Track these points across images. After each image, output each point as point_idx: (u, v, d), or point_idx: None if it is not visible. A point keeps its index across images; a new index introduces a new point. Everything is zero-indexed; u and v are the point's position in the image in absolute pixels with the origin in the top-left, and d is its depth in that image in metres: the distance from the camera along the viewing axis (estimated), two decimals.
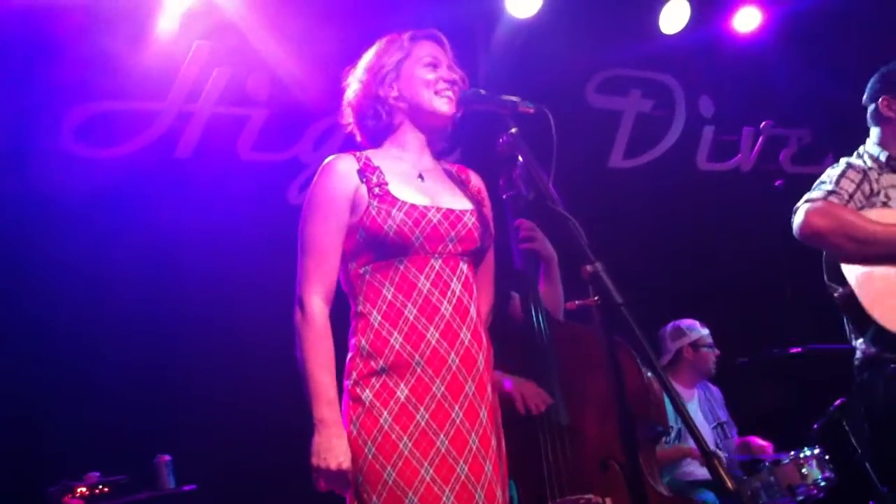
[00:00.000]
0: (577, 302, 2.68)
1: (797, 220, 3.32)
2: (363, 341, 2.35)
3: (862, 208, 3.29)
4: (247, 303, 4.47)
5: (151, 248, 4.54)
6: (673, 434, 4.49)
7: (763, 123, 6.04)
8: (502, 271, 3.36)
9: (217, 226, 4.61)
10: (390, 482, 2.25)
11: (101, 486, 3.94)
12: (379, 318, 2.34)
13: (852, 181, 3.31)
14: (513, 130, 2.57)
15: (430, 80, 2.49)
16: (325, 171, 2.44)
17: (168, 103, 4.68)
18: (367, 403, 2.30)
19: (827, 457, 4.28)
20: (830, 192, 3.29)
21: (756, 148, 6.08)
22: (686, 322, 4.87)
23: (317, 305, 2.35)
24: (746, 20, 5.60)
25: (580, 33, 5.21)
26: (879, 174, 3.36)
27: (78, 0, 4.23)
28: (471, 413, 2.35)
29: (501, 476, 2.43)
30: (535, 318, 3.18)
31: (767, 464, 4.31)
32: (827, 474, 4.24)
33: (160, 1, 4.42)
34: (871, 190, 3.32)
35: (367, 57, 2.57)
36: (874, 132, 3.50)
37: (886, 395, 3.27)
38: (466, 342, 2.38)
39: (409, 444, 2.28)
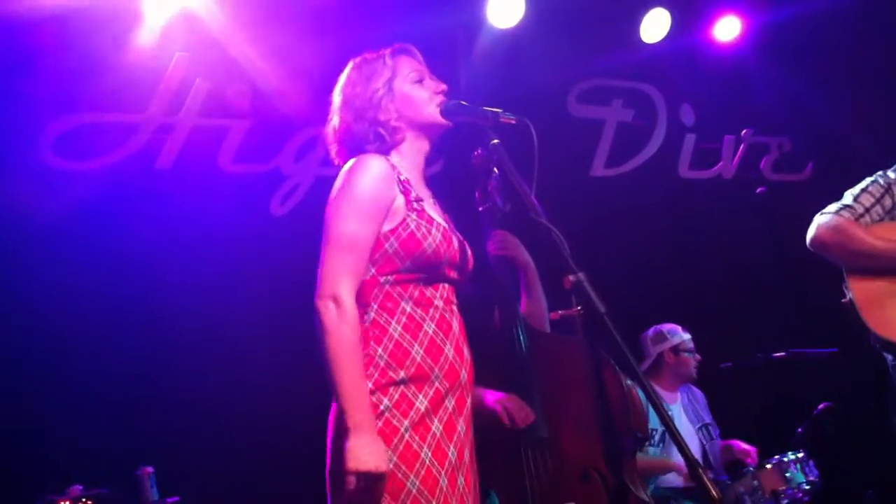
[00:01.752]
0: (560, 312, 2.70)
1: (809, 232, 3.51)
2: (380, 350, 2.33)
3: (881, 220, 3.43)
4: (229, 314, 4.45)
5: (132, 260, 4.52)
6: (657, 437, 4.50)
7: (744, 131, 6.07)
8: (482, 284, 3.37)
9: (199, 238, 4.59)
10: (414, 491, 2.25)
11: (83, 500, 3.89)
12: (399, 329, 2.34)
13: (872, 196, 3.46)
14: (493, 142, 2.58)
15: (426, 95, 2.52)
16: (368, 168, 2.38)
17: (148, 115, 4.67)
18: (387, 412, 2.29)
19: (811, 461, 4.30)
20: (844, 207, 3.46)
21: (737, 156, 6.11)
22: (667, 326, 4.89)
23: (353, 301, 2.29)
24: (727, 29, 5.63)
25: (561, 43, 5.22)
26: None
27: (58, 12, 4.20)
28: (468, 426, 2.43)
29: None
30: (514, 330, 3.18)
31: (751, 469, 4.32)
32: (811, 478, 4.26)
33: (140, 13, 4.41)
34: (894, 203, 3.45)
35: (350, 83, 2.55)
36: None
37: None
38: (468, 359, 2.45)
39: (429, 454, 2.29)
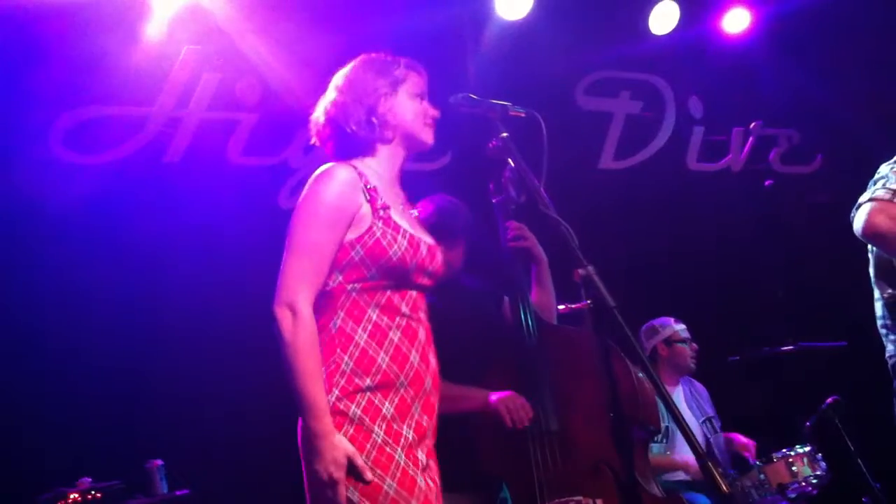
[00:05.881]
0: (569, 305, 2.70)
1: (859, 219, 3.27)
2: (346, 358, 2.35)
3: None
4: (237, 307, 4.45)
5: (141, 253, 4.54)
6: (661, 433, 4.49)
7: (752, 123, 6.05)
8: (493, 276, 3.38)
9: (207, 231, 4.60)
10: (392, 493, 2.27)
11: (93, 492, 3.92)
12: (365, 336, 2.36)
13: None
14: (503, 135, 2.59)
15: (421, 111, 2.56)
16: (333, 177, 2.41)
17: (157, 108, 4.67)
18: (356, 418, 2.30)
19: (819, 454, 4.29)
20: (894, 191, 3.23)
21: (746, 148, 6.09)
22: (659, 320, 4.88)
23: (309, 310, 2.32)
24: (735, 21, 5.61)
25: (570, 35, 5.22)
26: None
27: (67, 5, 4.21)
28: (433, 430, 2.47)
29: None
30: (525, 322, 3.20)
31: (759, 462, 4.32)
32: (819, 472, 4.25)
33: (149, 6, 4.41)
34: None
35: (360, 69, 2.57)
36: None
37: None
38: (434, 366, 2.47)
39: (403, 455, 2.33)
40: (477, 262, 3.45)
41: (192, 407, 4.44)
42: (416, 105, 2.55)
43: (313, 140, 2.60)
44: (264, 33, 4.63)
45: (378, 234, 2.38)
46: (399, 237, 2.40)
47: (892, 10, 5.23)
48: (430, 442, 2.47)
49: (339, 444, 2.24)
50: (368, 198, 2.41)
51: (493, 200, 3.27)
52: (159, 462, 4.15)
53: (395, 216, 2.45)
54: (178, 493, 4.13)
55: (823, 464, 4.29)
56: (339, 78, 2.58)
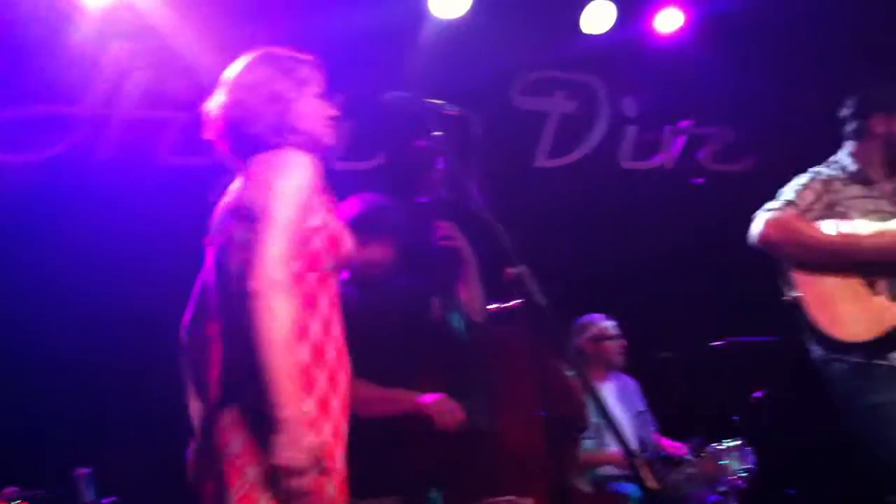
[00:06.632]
0: (500, 304, 2.72)
1: (754, 228, 3.48)
2: (301, 348, 2.27)
3: (820, 218, 3.42)
4: (168, 310, 4.37)
5: (69, 254, 4.43)
6: (592, 429, 4.54)
7: (684, 122, 6.14)
8: (423, 276, 3.38)
9: (138, 232, 4.52)
10: (332, 492, 2.24)
11: (19, 501, 3.83)
12: (317, 327, 2.31)
13: (813, 191, 3.46)
14: (435, 133, 2.59)
15: (322, 111, 2.49)
16: (306, 164, 2.34)
17: (85, 107, 4.58)
18: (312, 414, 2.24)
19: (748, 448, 4.38)
20: (789, 203, 3.45)
21: (678, 147, 6.18)
22: (586, 317, 4.94)
23: (292, 290, 2.22)
24: (668, 21, 5.67)
25: (506, 35, 5.23)
26: (844, 185, 3.49)
27: None
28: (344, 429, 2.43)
29: None
30: (454, 322, 3.20)
31: (689, 456, 4.39)
32: (748, 465, 4.34)
33: (76, 1, 4.31)
34: (833, 200, 3.45)
35: (263, 67, 2.48)
36: (851, 145, 3.60)
37: (839, 394, 3.43)
38: (347, 362, 2.41)
39: (339, 453, 2.30)
40: (407, 261, 3.44)
41: (120, 413, 4.36)
42: (319, 106, 2.49)
43: (207, 135, 2.51)
44: (196, 30, 4.56)
45: (331, 224, 2.36)
46: (344, 231, 2.40)
47: (827, 9, 5.32)
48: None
49: (309, 433, 2.17)
50: (321, 186, 2.39)
51: (423, 199, 3.26)
52: (86, 470, 4.07)
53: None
54: (104, 501, 4.06)
55: (752, 457, 4.38)
56: (239, 74, 2.47)
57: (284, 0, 4.66)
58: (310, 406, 2.24)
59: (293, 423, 2.13)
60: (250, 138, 2.42)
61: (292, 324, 2.18)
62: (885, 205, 3.49)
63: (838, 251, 3.36)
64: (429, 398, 3.11)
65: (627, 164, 6.11)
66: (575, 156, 5.94)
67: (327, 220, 2.36)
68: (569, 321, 4.86)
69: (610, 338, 4.88)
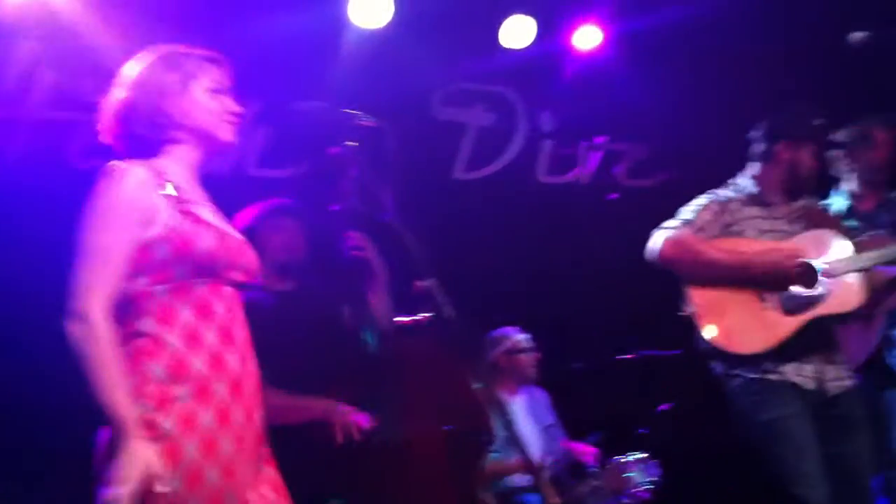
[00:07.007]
0: (409, 316, 2.72)
1: (651, 245, 3.63)
2: (156, 366, 2.21)
3: (716, 237, 3.58)
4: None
5: None
6: (499, 441, 4.57)
7: (600, 138, 6.24)
8: (334, 286, 3.36)
9: (47, 236, 4.39)
10: None
11: None
12: (176, 341, 2.23)
13: (710, 211, 3.62)
14: (348, 143, 2.58)
15: (216, 106, 2.43)
16: (123, 177, 2.27)
17: None
18: (168, 432, 2.17)
19: (653, 460, 4.46)
20: (686, 222, 3.61)
21: (593, 162, 6.27)
22: (502, 330, 4.98)
23: (101, 316, 2.16)
24: (587, 38, 5.75)
25: (428, 46, 5.25)
26: (742, 206, 3.65)
27: None
28: (257, 441, 2.35)
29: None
30: (364, 333, 3.19)
31: (593, 468, 4.46)
32: (652, 478, 4.42)
33: None
34: (730, 220, 3.61)
35: (147, 64, 2.43)
36: (755, 167, 3.75)
37: (737, 408, 3.56)
38: (252, 368, 2.35)
39: (217, 476, 2.19)
40: (318, 268, 3.42)
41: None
42: (210, 101, 2.42)
43: (101, 137, 2.44)
44: (109, 31, 4.46)
45: (180, 230, 2.26)
46: (204, 231, 2.29)
47: (742, 29, 5.46)
48: (262, 450, 2.37)
49: (139, 452, 2.10)
50: (166, 194, 2.30)
51: (334, 209, 3.24)
52: None
53: (198, 211, 2.34)
54: None
55: (656, 470, 4.46)
56: (129, 73, 2.42)
57: (204, 5, 4.60)
58: (207, 417, 2.20)
59: (120, 440, 2.10)
60: (137, 138, 2.38)
61: (100, 354, 2.14)
62: (780, 225, 3.66)
63: (731, 268, 3.51)
64: (335, 407, 3.10)
65: (544, 178, 6.17)
66: (492, 168, 5.98)
67: (174, 226, 2.27)
68: (483, 334, 4.89)
69: (523, 351, 4.93)
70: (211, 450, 2.20)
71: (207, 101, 2.42)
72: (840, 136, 4.17)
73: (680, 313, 3.61)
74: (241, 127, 2.46)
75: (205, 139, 2.43)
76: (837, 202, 4.18)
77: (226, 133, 2.44)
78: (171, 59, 2.43)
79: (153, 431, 2.16)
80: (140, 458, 2.10)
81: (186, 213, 2.30)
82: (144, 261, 2.25)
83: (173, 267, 2.27)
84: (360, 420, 3.09)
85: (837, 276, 3.53)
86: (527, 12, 5.43)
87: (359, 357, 3.15)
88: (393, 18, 5.07)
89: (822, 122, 3.76)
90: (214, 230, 2.33)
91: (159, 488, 2.10)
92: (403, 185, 2.57)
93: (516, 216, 5.88)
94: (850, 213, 4.07)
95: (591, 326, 5.72)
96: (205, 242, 2.28)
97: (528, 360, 4.92)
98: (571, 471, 4.72)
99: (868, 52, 2.89)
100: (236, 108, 2.46)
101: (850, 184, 4.21)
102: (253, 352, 2.37)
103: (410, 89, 5.39)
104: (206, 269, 2.29)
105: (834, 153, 4.18)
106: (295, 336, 2.96)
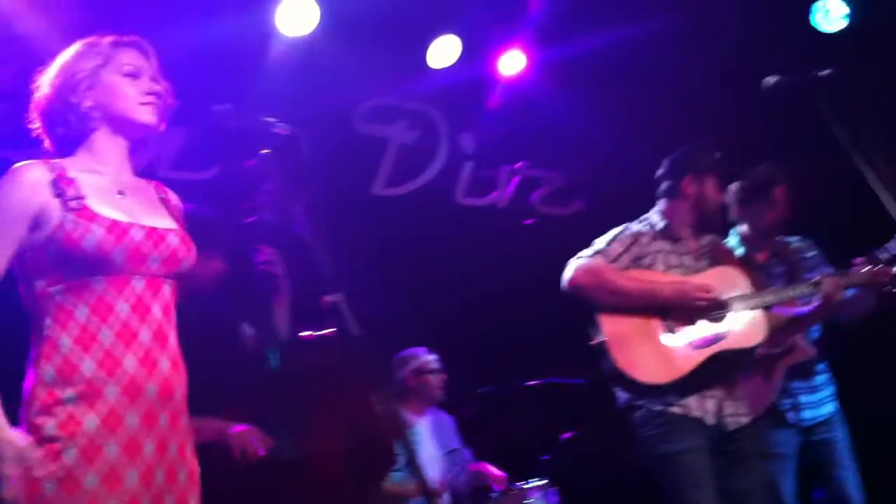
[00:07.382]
0: (313, 332, 2.68)
1: (565, 274, 3.71)
2: (48, 367, 2.16)
3: (627, 268, 3.67)
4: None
5: None
6: (402, 463, 4.54)
7: (519, 163, 6.28)
8: (238, 300, 3.29)
9: None
10: None
11: None
12: (69, 342, 2.17)
13: (622, 243, 3.71)
14: (263, 152, 2.53)
15: (130, 90, 2.38)
16: (9, 178, 2.25)
17: None
18: (51, 436, 2.11)
19: (553, 488, 4.47)
20: (598, 252, 3.70)
21: (511, 186, 6.31)
22: (409, 350, 4.97)
23: None
24: (511, 63, 5.78)
25: (352, 57, 5.20)
26: (652, 240, 3.74)
27: None
28: (161, 446, 2.23)
29: None
30: (268, 349, 3.13)
31: (495, 494, 4.45)
32: None
33: None
34: (640, 253, 3.70)
35: (62, 60, 2.40)
36: (663, 203, 3.84)
37: (639, 439, 3.62)
38: (166, 371, 2.25)
39: (97, 482, 2.11)
40: (225, 283, 3.34)
41: None
42: (122, 84, 2.37)
43: (36, 133, 2.41)
44: (33, 23, 4.31)
45: (69, 227, 2.20)
46: (94, 226, 2.21)
47: (664, 57, 5.54)
48: (158, 458, 2.21)
49: (8, 440, 2.10)
50: (57, 192, 2.23)
51: (246, 220, 3.18)
52: None
53: (96, 206, 2.26)
54: None
55: (556, 497, 4.48)
56: (52, 69, 2.40)
57: (131, 7, 4.48)
58: (93, 421, 2.14)
59: None
60: (60, 136, 2.36)
61: None
62: (688, 260, 3.76)
63: (640, 297, 3.60)
64: (235, 428, 3.03)
65: (463, 200, 6.18)
66: (412, 186, 5.97)
67: (61, 224, 2.21)
68: (391, 353, 4.86)
69: (431, 371, 4.91)
70: (92, 455, 2.12)
71: (121, 86, 2.37)
72: (738, 185, 4.25)
73: (590, 342, 3.64)
74: (163, 106, 2.41)
75: (123, 124, 2.38)
76: (733, 245, 4.25)
77: (143, 115, 2.38)
78: (81, 53, 2.40)
79: (36, 434, 2.12)
80: (10, 456, 2.08)
81: (80, 210, 2.24)
82: (40, 263, 2.22)
83: (63, 266, 2.21)
84: (255, 440, 3.02)
85: (741, 312, 3.62)
86: (454, 32, 5.44)
87: (260, 375, 3.09)
88: (320, 28, 5.01)
89: (722, 155, 3.85)
90: (109, 224, 2.24)
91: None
92: (321, 197, 2.52)
93: (433, 236, 5.86)
94: (746, 261, 4.14)
95: (501, 350, 5.72)
96: (93, 238, 2.21)
97: (435, 380, 4.91)
98: (473, 495, 4.71)
99: (781, 95, 2.97)
100: (154, 87, 2.40)
101: (742, 230, 4.30)
102: (168, 351, 2.28)
103: (334, 101, 5.34)
104: (100, 265, 2.21)
105: (728, 200, 4.22)
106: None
